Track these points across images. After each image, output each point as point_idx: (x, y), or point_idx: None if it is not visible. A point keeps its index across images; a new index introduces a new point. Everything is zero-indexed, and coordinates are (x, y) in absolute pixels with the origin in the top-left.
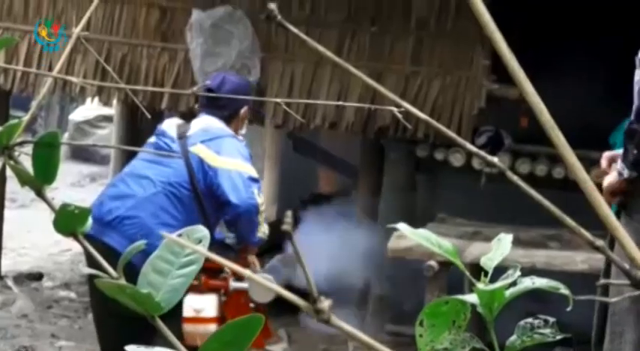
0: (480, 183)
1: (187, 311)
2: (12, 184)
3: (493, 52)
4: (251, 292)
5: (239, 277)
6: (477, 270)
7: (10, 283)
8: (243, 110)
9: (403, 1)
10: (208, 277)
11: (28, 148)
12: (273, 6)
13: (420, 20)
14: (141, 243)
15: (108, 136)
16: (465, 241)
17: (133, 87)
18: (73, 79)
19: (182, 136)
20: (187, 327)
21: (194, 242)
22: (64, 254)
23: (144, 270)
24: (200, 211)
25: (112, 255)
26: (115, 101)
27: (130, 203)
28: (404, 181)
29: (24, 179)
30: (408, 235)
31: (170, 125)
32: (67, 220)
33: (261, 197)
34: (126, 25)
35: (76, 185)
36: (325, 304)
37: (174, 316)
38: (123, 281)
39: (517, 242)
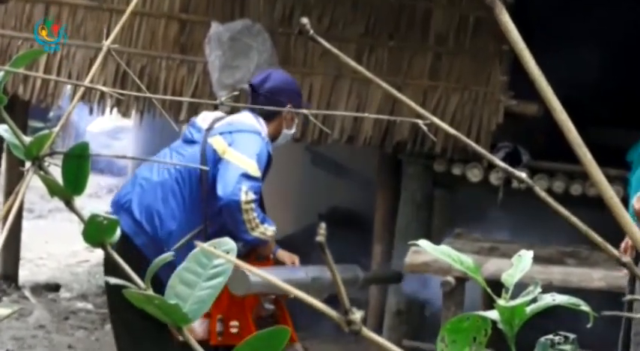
0: (497, 198)
1: None
2: (30, 194)
3: (511, 68)
4: (228, 283)
5: None
6: (494, 286)
7: (27, 293)
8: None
9: (422, 17)
10: None
11: (57, 159)
12: (305, 20)
13: (438, 36)
14: (168, 255)
15: (125, 147)
16: (482, 257)
17: (162, 97)
18: (104, 88)
19: (210, 128)
20: None
21: (222, 253)
22: (81, 265)
23: (171, 282)
24: (203, 201)
25: (121, 236)
26: (133, 112)
27: (142, 187)
28: (421, 196)
29: (54, 190)
30: (429, 251)
31: (205, 117)
32: (95, 231)
33: (250, 195)
34: (145, 37)
35: (94, 196)
36: (357, 315)
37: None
38: (151, 292)
39: (534, 258)
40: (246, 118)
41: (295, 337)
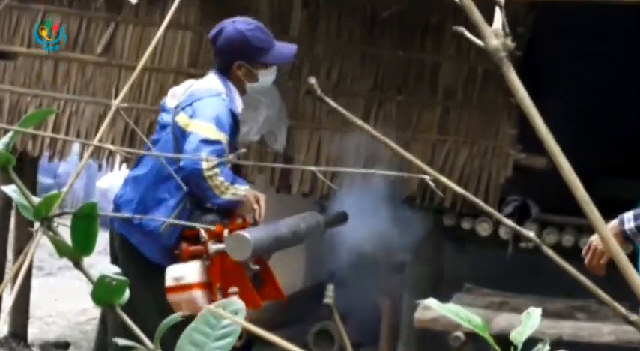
0: (507, 253)
1: (168, 281)
2: (39, 251)
3: (519, 122)
4: (228, 251)
5: (219, 240)
6: (504, 341)
7: None
8: (236, 65)
9: (430, 71)
10: (188, 245)
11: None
12: (313, 80)
13: (447, 89)
14: (176, 315)
15: None
16: (492, 312)
17: (170, 156)
18: (112, 147)
19: (177, 106)
20: (172, 297)
21: (230, 314)
22: (90, 323)
23: (180, 342)
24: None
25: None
26: None
27: (131, 185)
28: (431, 250)
29: (63, 250)
30: (438, 310)
31: (174, 93)
32: (104, 291)
33: (211, 162)
34: (154, 91)
35: (102, 253)
36: None
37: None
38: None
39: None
40: (207, 82)
41: (283, 295)
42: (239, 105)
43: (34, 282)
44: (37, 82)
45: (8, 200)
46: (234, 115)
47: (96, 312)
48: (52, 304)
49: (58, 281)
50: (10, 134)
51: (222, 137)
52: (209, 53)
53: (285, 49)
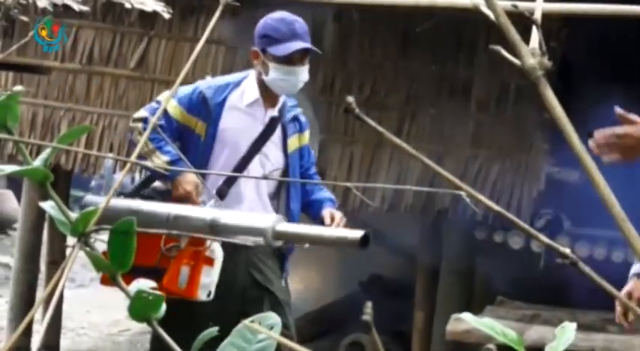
0: (539, 265)
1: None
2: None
3: (552, 135)
4: None
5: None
6: None
7: None
8: (252, 51)
9: (463, 85)
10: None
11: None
12: (351, 99)
13: (479, 103)
14: (212, 330)
15: None
16: (524, 325)
17: (201, 171)
18: (145, 163)
19: None
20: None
21: (266, 328)
22: (122, 334)
23: None
24: None
25: None
26: None
27: None
28: (463, 263)
29: (99, 266)
30: (472, 324)
31: None
32: (141, 307)
33: (141, 112)
34: None
35: None
36: None
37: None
38: None
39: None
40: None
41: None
42: (245, 97)
43: (66, 293)
44: (70, 96)
45: (41, 213)
46: (205, 100)
47: (128, 324)
48: (84, 315)
49: (89, 293)
50: (47, 150)
51: (173, 110)
52: (241, 68)
53: (295, 46)
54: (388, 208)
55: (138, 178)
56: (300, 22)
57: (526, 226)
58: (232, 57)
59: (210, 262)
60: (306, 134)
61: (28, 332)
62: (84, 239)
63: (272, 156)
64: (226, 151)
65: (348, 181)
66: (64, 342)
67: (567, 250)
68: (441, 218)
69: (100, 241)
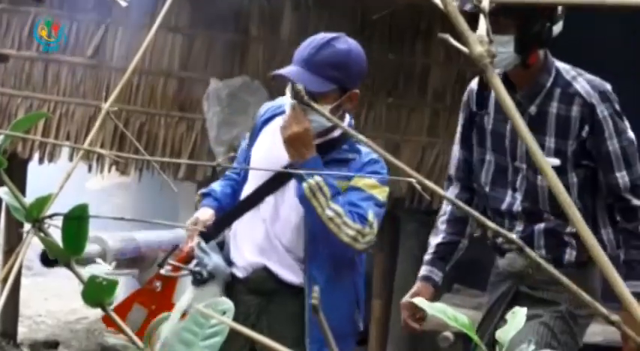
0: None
1: None
2: (29, 251)
3: None
4: None
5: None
6: (491, 342)
7: None
8: None
9: (420, 74)
10: None
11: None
12: (300, 87)
13: (436, 92)
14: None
15: (124, 204)
16: (480, 313)
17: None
18: (103, 151)
19: None
20: None
21: (219, 314)
22: (80, 322)
23: (168, 341)
24: None
25: None
26: (132, 170)
27: None
28: (419, 252)
29: (53, 251)
30: (426, 309)
31: None
32: (95, 292)
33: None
34: (144, 94)
35: None
36: None
37: None
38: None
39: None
40: None
41: None
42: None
43: (24, 281)
44: (27, 84)
45: None
46: (255, 117)
47: (85, 312)
48: (42, 303)
49: (47, 281)
50: (0, 138)
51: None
52: (199, 56)
53: (279, 70)
54: None
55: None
56: (310, 47)
57: (476, 214)
58: (189, 45)
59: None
60: (353, 181)
61: None
62: (38, 225)
63: (288, 197)
64: (250, 179)
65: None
66: (22, 329)
67: (513, 236)
68: (398, 207)
69: (54, 227)
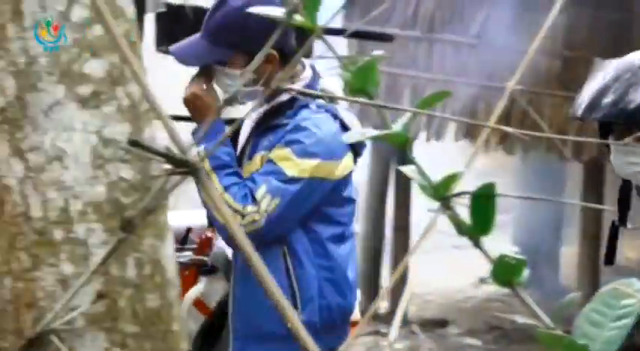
0: None
1: None
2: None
3: None
4: None
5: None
6: None
7: (415, 329)
8: None
9: None
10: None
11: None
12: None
13: None
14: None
15: (508, 185)
16: None
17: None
18: (510, 129)
19: None
20: None
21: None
22: (468, 301)
23: (578, 322)
24: None
25: None
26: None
27: None
28: None
29: (463, 229)
30: None
31: None
32: (504, 271)
33: None
34: (529, 74)
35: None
36: None
37: None
38: (559, 331)
39: None
40: None
41: None
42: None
43: (411, 260)
44: (412, 63)
45: (386, 181)
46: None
47: (473, 291)
48: (430, 282)
49: (433, 260)
50: (407, 115)
51: None
52: (582, 35)
53: None
54: None
55: (483, 148)
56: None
57: None
58: (573, 23)
59: None
60: (272, 151)
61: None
62: (445, 203)
63: None
64: None
65: None
66: (411, 308)
67: None
68: None
69: (460, 206)
